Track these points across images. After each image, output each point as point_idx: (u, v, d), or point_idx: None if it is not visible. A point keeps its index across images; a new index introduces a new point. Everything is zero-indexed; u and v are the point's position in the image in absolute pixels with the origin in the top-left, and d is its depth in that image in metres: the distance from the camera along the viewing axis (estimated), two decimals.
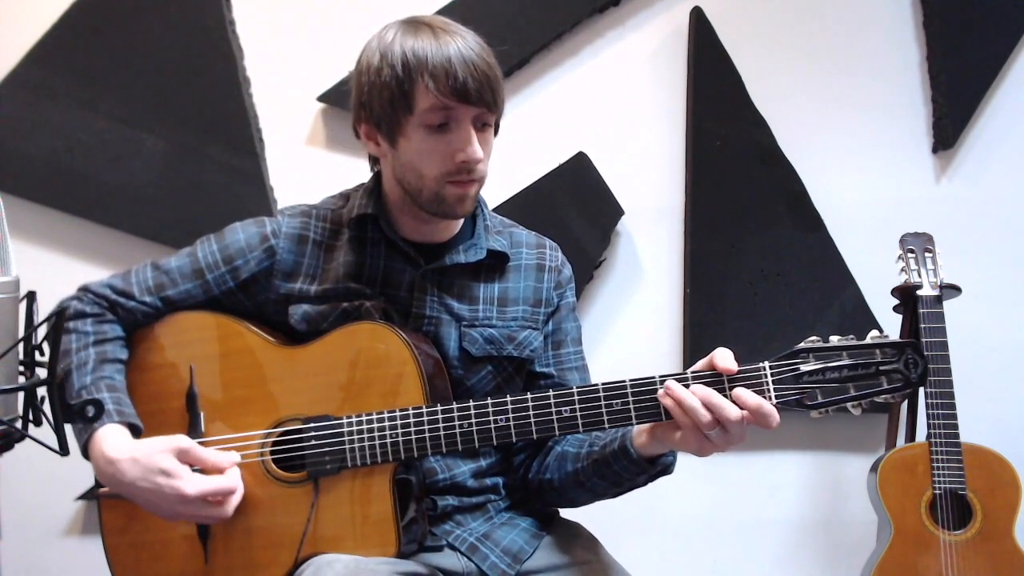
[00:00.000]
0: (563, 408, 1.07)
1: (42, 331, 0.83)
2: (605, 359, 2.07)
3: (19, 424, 0.78)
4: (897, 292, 1.82)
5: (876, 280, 1.96)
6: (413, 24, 1.13)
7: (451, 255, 1.21)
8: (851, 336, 1.05)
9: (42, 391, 0.79)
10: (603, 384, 1.07)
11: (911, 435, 1.86)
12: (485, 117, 1.14)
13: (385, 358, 1.12)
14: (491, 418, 1.08)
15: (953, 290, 1.78)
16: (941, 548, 1.67)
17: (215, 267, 1.21)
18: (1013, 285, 2.06)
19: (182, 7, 1.99)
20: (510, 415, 1.08)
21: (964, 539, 1.68)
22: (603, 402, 1.06)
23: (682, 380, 1.04)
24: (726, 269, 2.04)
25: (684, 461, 2.05)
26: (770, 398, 1.02)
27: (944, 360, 1.70)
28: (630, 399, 1.06)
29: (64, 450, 0.81)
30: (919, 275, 1.77)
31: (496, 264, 1.25)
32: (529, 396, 1.08)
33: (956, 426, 1.69)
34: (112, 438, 1.09)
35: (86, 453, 1.11)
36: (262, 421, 1.16)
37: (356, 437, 1.10)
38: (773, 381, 1.03)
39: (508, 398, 1.09)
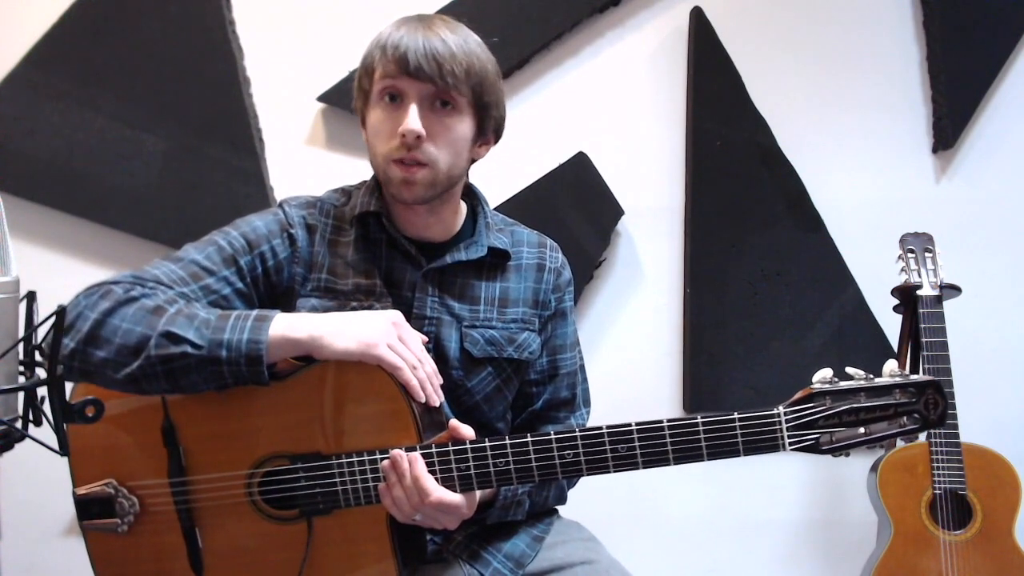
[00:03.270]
0: (566, 452, 1.04)
1: (42, 331, 0.83)
2: (605, 359, 2.07)
3: (19, 424, 0.77)
4: (897, 292, 1.82)
5: (876, 280, 1.96)
6: (407, 18, 1.16)
7: (452, 253, 1.21)
8: (871, 376, 1.02)
9: (42, 391, 0.79)
10: (608, 427, 1.04)
11: None
12: (443, 95, 1.12)
13: (376, 394, 1.07)
14: (490, 461, 1.05)
15: (953, 290, 1.78)
16: (941, 548, 1.67)
17: (244, 252, 1.16)
18: (1013, 285, 2.06)
19: (182, 7, 1.99)
20: (510, 458, 1.05)
21: (964, 539, 1.68)
22: (608, 446, 1.03)
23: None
24: (726, 269, 2.04)
25: None
26: (784, 446, 1.01)
27: (944, 360, 1.70)
28: (636, 443, 1.03)
29: (64, 450, 0.81)
30: (919, 275, 1.77)
31: (497, 262, 1.25)
32: (529, 438, 1.05)
33: (956, 426, 1.69)
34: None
35: (255, 342, 1.03)
36: (246, 458, 1.09)
37: (348, 478, 1.06)
38: (788, 427, 1.00)
39: (507, 440, 1.05)
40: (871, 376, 1.02)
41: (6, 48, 1.98)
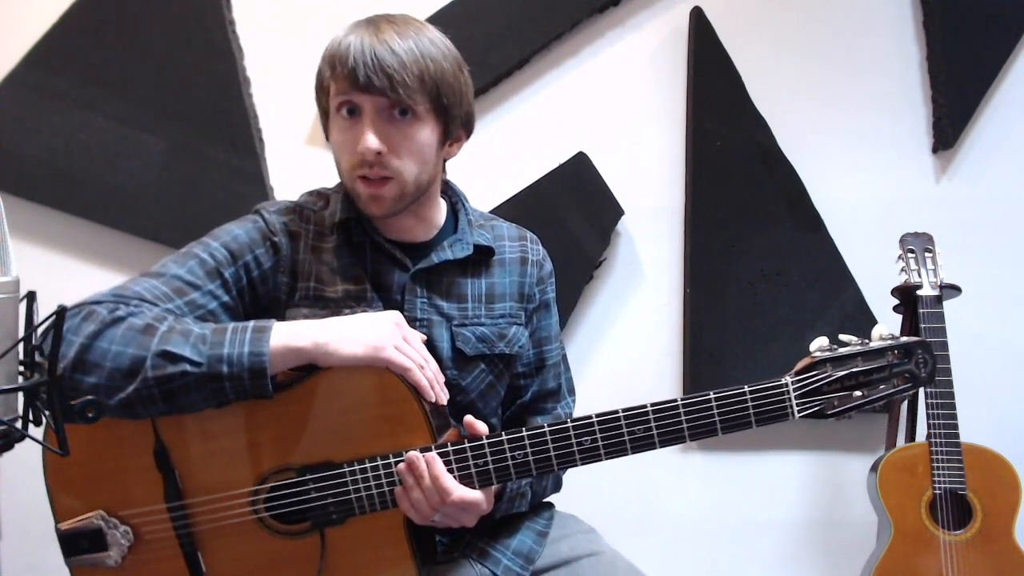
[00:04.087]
0: (584, 438, 1.04)
1: (42, 331, 0.83)
2: (605, 359, 2.07)
3: (19, 424, 0.77)
4: (897, 292, 1.82)
5: (876, 280, 1.96)
6: (360, 21, 1.14)
7: (437, 252, 1.20)
8: (865, 340, 1.05)
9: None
10: (623, 410, 1.04)
11: (911, 435, 1.86)
12: (399, 104, 1.09)
13: (385, 397, 1.04)
14: (508, 454, 1.04)
15: (953, 290, 1.78)
16: (941, 548, 1.67)
17: (228, 264, 1.12)
18: (1013, 285, 2.06)
19: (182, 7, 1.99)
20: (528, 449, 1.04)
21: (964, 539, 1.68)
22: (625, 429, 1.04)
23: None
24: (726, 269, 2.04)
25: (684, 460, 2.05)
26: (793, 413, 1.03)
27: (944, 360, 1.70)
28: (652, 423, 1.03)
29: (64, 450, 0.81)
30: (919, 275, 1.77)
31: (481, 259, 1.24)
32: (546, 427, 1.04)
33: (956, 426, 1.69)
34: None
35: (258, 354, 1.00)
36: (248, 474, 1.06)
37: (362, 484, 1.04)
38: (795, 395, 1.03)
39: (524, 431, 1.05)
40: (865, 341, 1.06)
41: (6, 48, 1.98)
